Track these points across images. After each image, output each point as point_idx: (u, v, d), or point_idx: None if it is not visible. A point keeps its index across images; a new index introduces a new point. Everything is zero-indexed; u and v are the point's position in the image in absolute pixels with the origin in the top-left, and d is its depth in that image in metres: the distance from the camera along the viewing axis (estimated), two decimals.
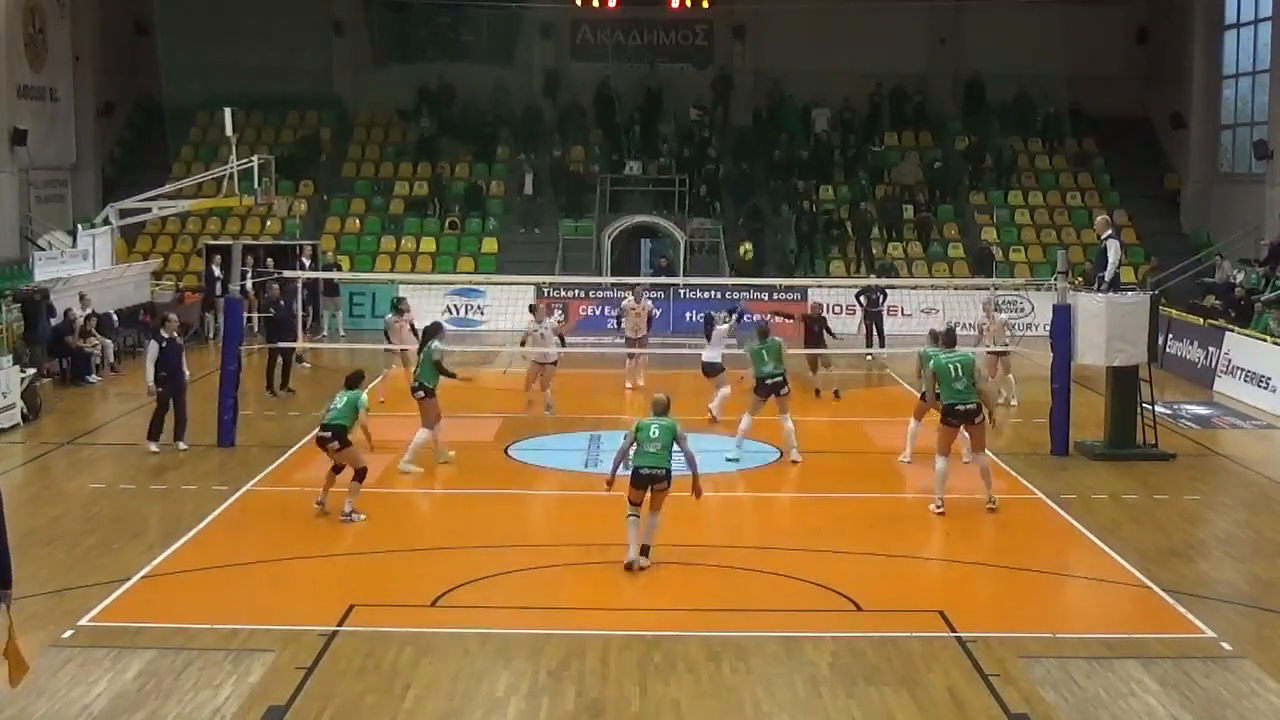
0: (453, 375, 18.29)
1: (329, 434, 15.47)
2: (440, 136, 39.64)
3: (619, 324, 25.84)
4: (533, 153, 38.85)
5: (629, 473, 13.65)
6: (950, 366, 15.96)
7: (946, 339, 16.66)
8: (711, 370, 21.48)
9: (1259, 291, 28.57)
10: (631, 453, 13.70)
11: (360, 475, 15.45)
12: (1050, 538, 15.32)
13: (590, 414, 21.91)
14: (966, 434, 16.16)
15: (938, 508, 15.82)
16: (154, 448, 18.93)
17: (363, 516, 15.36)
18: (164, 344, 19.15)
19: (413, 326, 22.37)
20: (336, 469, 15.63)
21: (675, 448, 13.66)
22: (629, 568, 13.48)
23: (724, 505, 17.09)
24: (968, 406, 15.84)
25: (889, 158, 38.87)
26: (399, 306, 23.09)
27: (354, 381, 15.99)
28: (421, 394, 17.78)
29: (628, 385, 24.33)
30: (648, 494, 13.60)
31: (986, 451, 16.61)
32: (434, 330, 18.60)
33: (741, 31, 39.94)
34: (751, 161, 38.25)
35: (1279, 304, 26.78)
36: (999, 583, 13.87)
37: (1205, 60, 36.71)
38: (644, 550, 13.60)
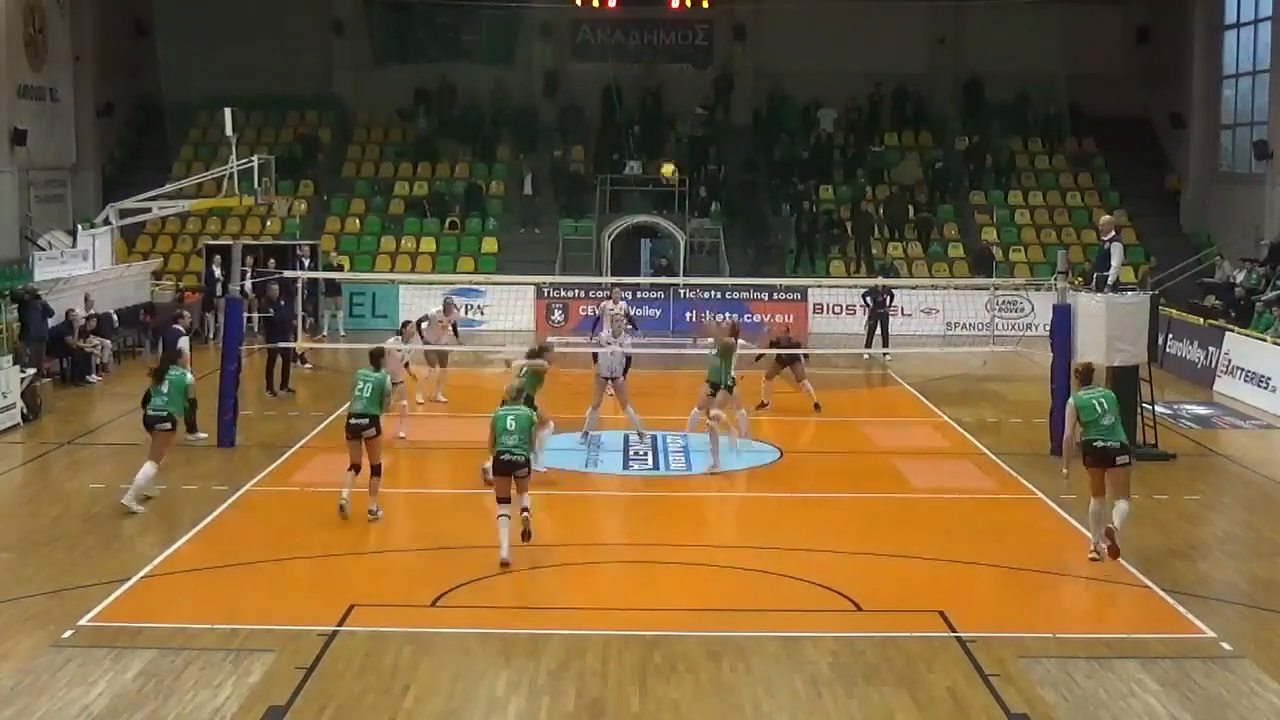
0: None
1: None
2: (440, 136, 39.66)
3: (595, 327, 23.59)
4: (532, 153, 38.85)
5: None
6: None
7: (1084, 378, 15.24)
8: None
9: (1259, 291, 28.57)
10: None
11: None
12: (1050, 538, 15.32)
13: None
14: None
15: None
16: (204, 436, 19.45)
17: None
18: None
19: (455, 327, 22.93)
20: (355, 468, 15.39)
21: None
22: None
23: (724, 505, 17.11)
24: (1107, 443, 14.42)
25: (889, 158, 38.87)
26: (446, 305, 23.20)
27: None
28: (169, 426, 16.20)
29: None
30: None
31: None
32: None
33: (741, 31, 39.93)
34: (752, 161, 38.32)
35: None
36: (999, 583, 13.86)
37: (1205, 60, 36.72)
38: None
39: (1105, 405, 14.00)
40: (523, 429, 14.00)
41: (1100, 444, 13.85)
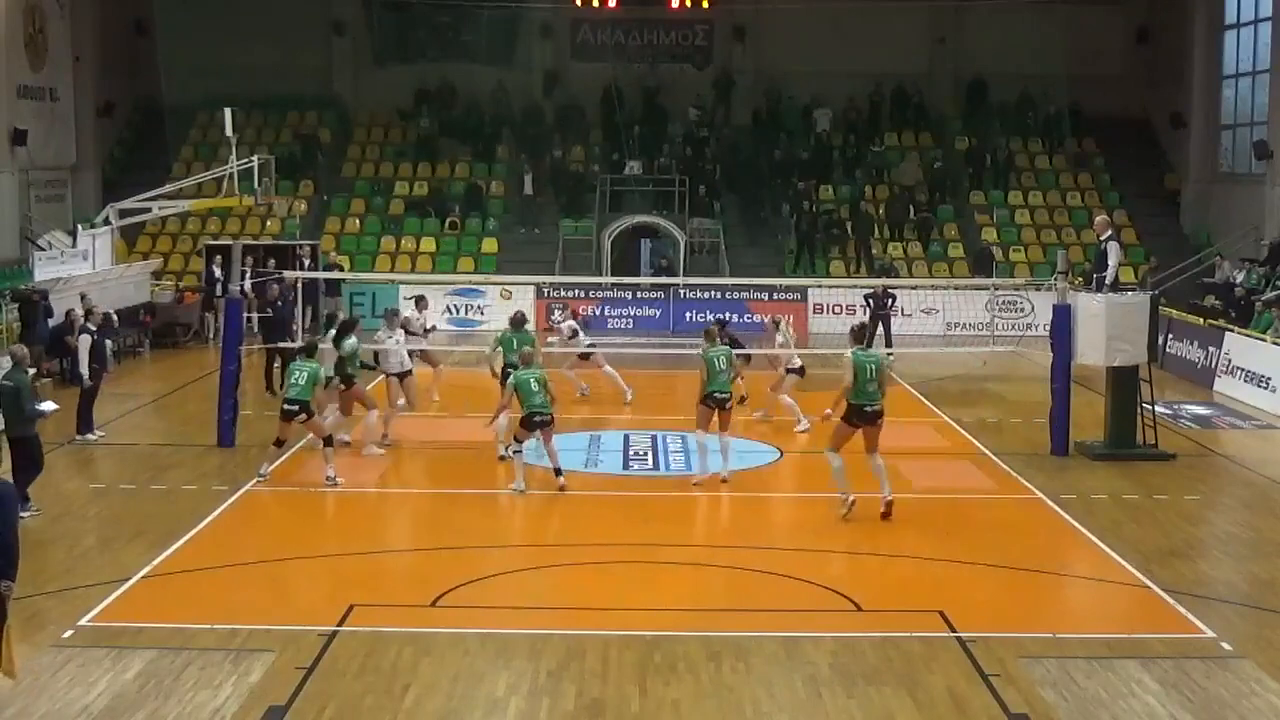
0: (371, 367, 19.95)
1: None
2: (440, 136, 39.65)
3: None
4: (533, 153, 38.84)
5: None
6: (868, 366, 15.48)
7: (857, 336, 15.94)
8: None
9: (1259, 291, 28.57)
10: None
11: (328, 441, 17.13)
12: (1050, 538, 15.32)
13: (590, 414, 21.91)
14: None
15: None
16: (95, 435, 19.91)
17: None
18: (95, 336, 20.28)
19: (424, 331, 22.62)
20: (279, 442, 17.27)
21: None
22: None
23: (724, 505, 17.11)
24: (874, 407, 15.45)
25: (889, 158, 38.87)
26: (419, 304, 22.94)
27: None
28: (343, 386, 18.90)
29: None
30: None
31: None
32: (349, 327, 19.36)
33: (741, 31, 39.93)
34: (751, 161, 38.32)
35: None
36: (999, 583, 13.86)
37: (1205, 60, 36.70)
38: None
39: (874, 371, 15.41)
40: (544, 388, 16.43)
41: (869, 409, 15.39)
